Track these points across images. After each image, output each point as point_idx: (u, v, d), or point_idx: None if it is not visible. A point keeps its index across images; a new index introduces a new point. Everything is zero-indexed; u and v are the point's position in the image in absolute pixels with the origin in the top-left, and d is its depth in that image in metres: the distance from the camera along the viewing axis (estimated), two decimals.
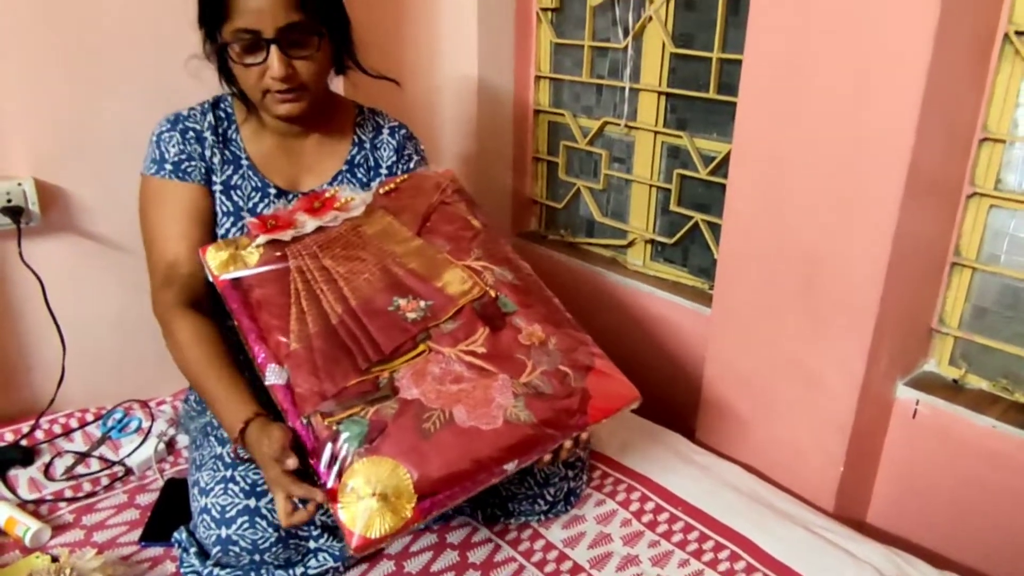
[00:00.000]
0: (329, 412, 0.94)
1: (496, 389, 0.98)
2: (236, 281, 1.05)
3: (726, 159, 1.50)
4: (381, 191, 1.20)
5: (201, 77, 1.21)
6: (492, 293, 1.08)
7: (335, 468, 0.90)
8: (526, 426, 0.97)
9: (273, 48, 1.09)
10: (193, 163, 1.20)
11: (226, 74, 1.19)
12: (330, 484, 0.90)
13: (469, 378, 0.99)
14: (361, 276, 1.06)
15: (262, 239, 1.09)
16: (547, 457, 1.00)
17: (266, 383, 0.98)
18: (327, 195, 1.16)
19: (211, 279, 1.08)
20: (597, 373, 1.05)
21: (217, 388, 1.06)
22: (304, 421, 0.94)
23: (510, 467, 0.96)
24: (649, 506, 1.26)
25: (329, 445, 0.92)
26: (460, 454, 0.93)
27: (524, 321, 1.07)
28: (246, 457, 1.05)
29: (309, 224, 1.12)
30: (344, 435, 0.92)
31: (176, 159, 1.19)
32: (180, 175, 1.19)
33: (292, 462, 0.91)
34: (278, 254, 1.08)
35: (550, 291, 1.16)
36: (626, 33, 1.66)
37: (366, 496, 0.88)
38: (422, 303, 1.05)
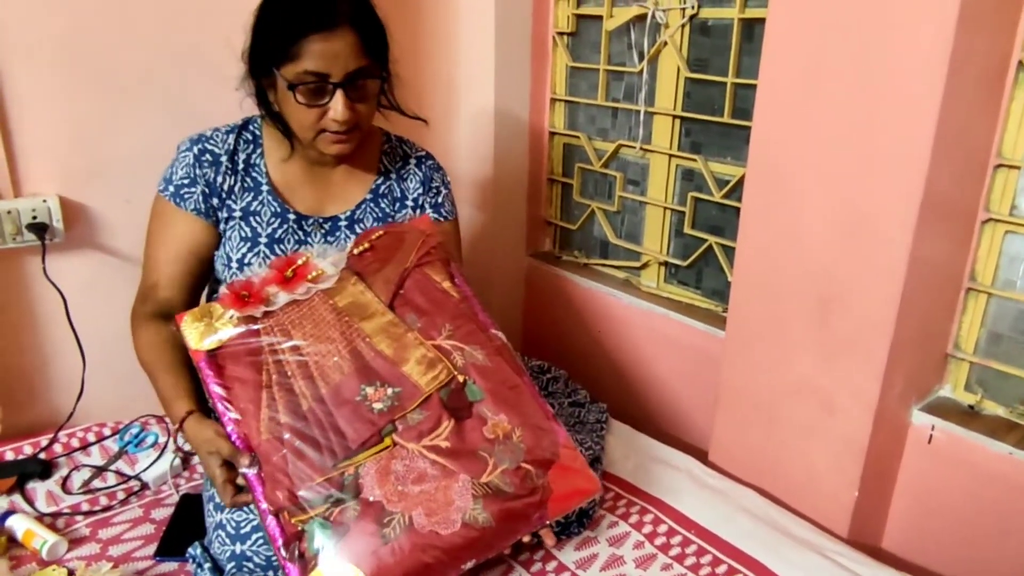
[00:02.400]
0: (296, 511, 0.96)
1: (456, 491, 0.99)
2: (211, 354, 1.06)
3: (740, 183, 1.51)
4: (355, 251, 1.18)
5: (232, 103, 1.21)
6: (460, 379, 1.08)
7: (300, 566, 0.94)
8: (484, 528, 0.98)
9: (339, 93, 1.10)
10: (193, 190, 1.20)
11: (268, 110, 1.19)
12: None
13: (432, 476, 1.00)
14: (331, 359, 1.06)
15: (234, 314, 1.08)
16: (507, 550, 1.03)
17: (240, 471, 1.00)
18: (299, 262, 1.14)
19: (188, 349, 1.08)
20: (559, 468, 1.05)
21: (163, 384, 1.14)
22: (272, 513, 0.97)
23: (468, 565, 0.99)
24: (662, 528, 1.25)
25: (295, 543, 0.95)
26: (418, 559, 0.95)
27: (490, 411, 1.06)
28: (187, 450, 1.14)
29: (281, 298, 1.10)
30: (308, 536, 0.95)
31: (179, 182, 1.20)
32: (177, 200, 1.20)
33: (245, 460, 0.98)
34: (253, 327, 1.08)
35: (521, 363, 1.15)
36: (641, 57, 1.68)
37: None
38: (389, 391, 1.05)
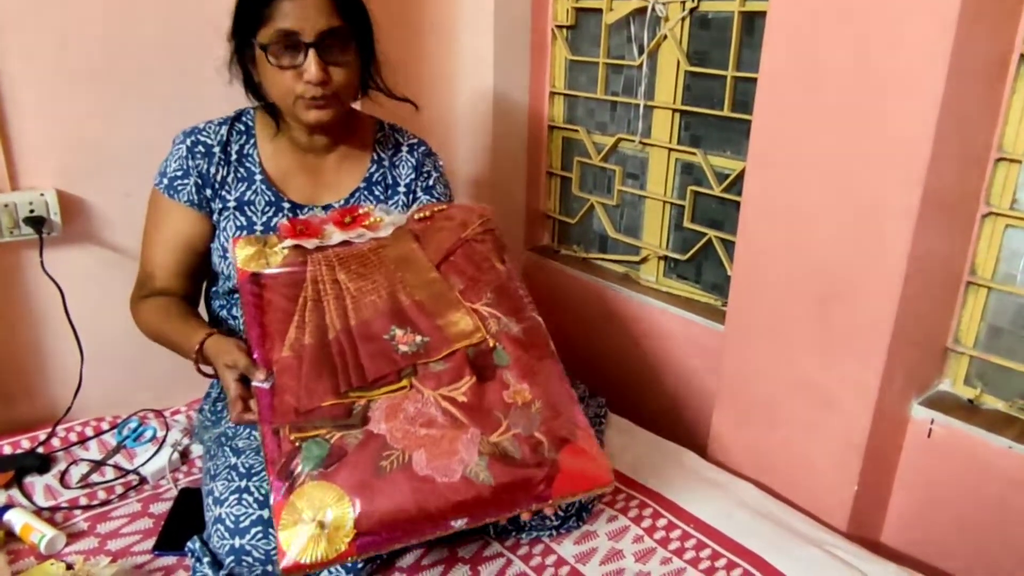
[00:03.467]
0: (298, 427, 0.95)
1: (463, 442, 0.96)
2: (255, 276, 1.09)
3: (740, 176, 1.51)
4: (416, 216, 1.20)
5: (235, 87, 1.23)
6: (491, 343, 1.07)
7: (286, 483, 0.91)
8: (483, 487, 0.94)
9: (311, 52, 1.11)
10: (186, 182, 1.22)
11: (253, 86, 1.20)
12: (278, 498, 0.91)
13: (440, 424, 0.97)
14: (368, 297, 1.07)
15: (288, 243, 1.12)
16: (502, 520, 0.99)
17: (252, 383, 1.01)
18: (360, 211, 1.18)
19: (234, 269, 1.12)
20: (573, 448, 1.00)
21: (174, 328, 1.17)
22: (273, 429, 0.96)
23: (458, 524, 0.94)
24: (661, 523, 1.25)
25: (288, 459, 0.93)
26: (409, 499, 0.91)
27: (514, 377, 1.04)
28: (209, 372, 1.13)
29: (335, 236, 1.14)
30: (303, 454, 0.93)
31: (172, 175, 1.22)
32: (171, 192, 1.22)
33: (261, 375, 1.00)
34: (300, 260, 1.11)
35: (554, 348, 1.12)
36: (641, 51, 1.67)
37: (307, 521, 0.88)
38: (418, 338, 1.05)
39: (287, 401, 0.98)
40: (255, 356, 1.03)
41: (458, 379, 1.02)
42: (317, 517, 0.89)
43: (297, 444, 0.94)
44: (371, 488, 0.91)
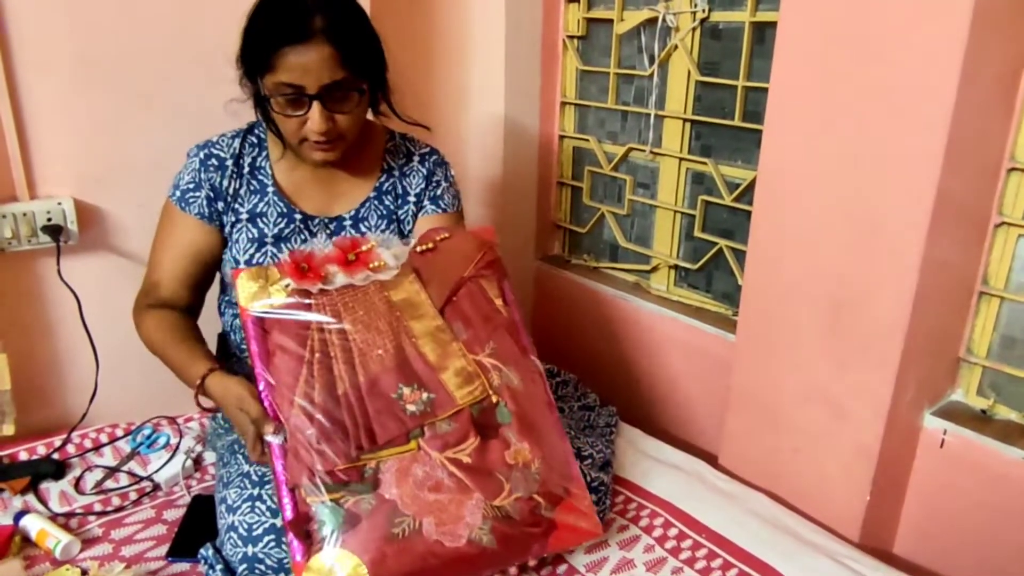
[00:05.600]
0: (312, 491, 0.98)
1: (468, 508, 1.02)
2: (259, 317, 1.08)
3: (751, 186, 1.51)
4: (418, 249, 1.18)
5: (239, 115, 1.24)
6: (493, 399, 1.10)
7: (305, 546, 0.96)
8: (485, 548, 1.01)
9: (315, 104, 1.11)
10: (197, 194, 1.23)
11: (263, 111, 1.21)
12: (297, 559, 0.96)
13: (448, 488, 1.02)
14: (375, 350, 1.08)
15: (290, 284, 1.09)
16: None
17: (264, 437, 1.02)
18: (363, 248, 1.14)
19: (237, 307, 1.11)
20: (567, 506, 1.08)
21: (177, 354, 1.16)
22: (289, 489, 0.99)
23: None
24: (672, 532, 1.25)
25: (304, 520, 0.97)
26: (418, 564, 0.98)
27: (515, 436, 1.09)
28: (208, 407, 1.14)
29: (339, 279, 1.11)
30: (319, 519, 0.97)
31: (185, 187, 1.23)
32: (183, 204, 1.24)
33: (270, 428, 1.00)
34: (306, 301, 1.08)
35: (551, 396, 1.18)
36: (652, 61, 1.68)
37: None
38: (424, 395, 1.07)
39: (301, 461, 0.99)
40: (265, 405, 1.03)
41: (463, 440, 1.06)
42: None
43: (313, 508, 0.97)
44: (384, 554, 0.96)
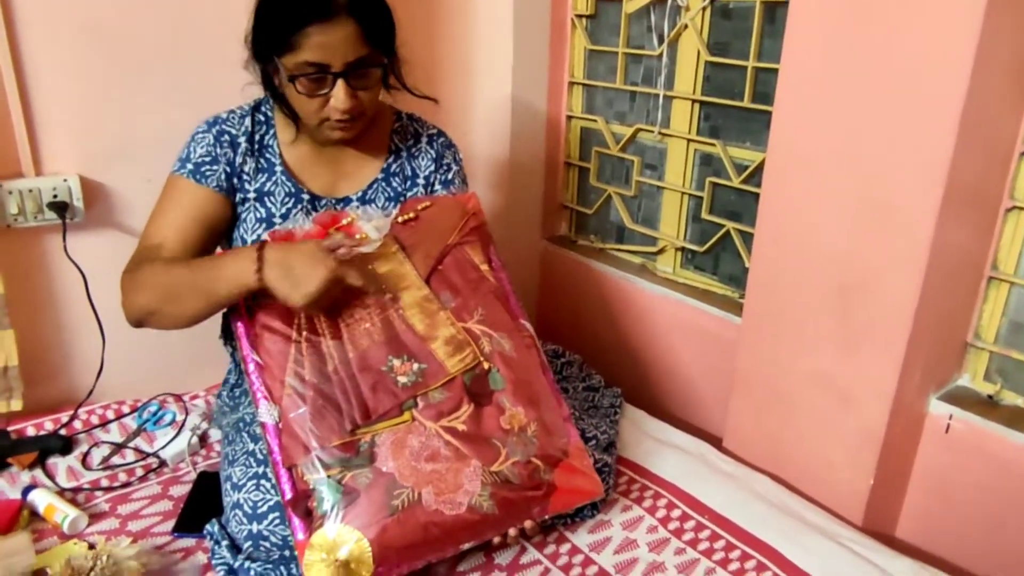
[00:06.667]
0: (309, 469, 0.98)
1: (466, 476, 1.02)
2: (246, 302, 1.07)
3: (759, 168, 1.50)
4: (400, 219, 1.18)
5: (246, 92, 1.23)
6: (485, 365, 1.10)
7: (306, 523, 0.96)
8: (486, 514, 1.02)
9: (340, 82, 1.10)
10: (215, 168, 1.20)
11: (273, 92, 1.19)
12: (299, 537, 0.96)
13: (445, 457, 1.02)
14: (363, 324, 1.07)
15: None
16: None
17: (258, 418, 1.02)
18: (344, 222, 1.14)
19: None
20: (566, 467, 1.09)
21: (210, 263, 1.10)
22: (286, 468, 0.99)
23: (466, 546, 1.04)
24: (675, 513, 1.26)
25: (303, 498, 0.98)
26: (420, 534, 0.98)
27: (509, 401, 1.09)
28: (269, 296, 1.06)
29: None
30: (319, 496, 0.97)
31: (199, 160, 1.20)
32: (197, 177, 1.20)
33: (344, 251, 1.03)
34: None
35: (545, 359, 1.17)
36: (661, 40, 1.66)
37: (329, 561, 0.95)
38: (415, 366, 1.07)
39: (297, 440, 1.00)
40: (255, 386, 1.03)
41: (457, 408, 1.06)
42: (338, 556, 0.95)
43: (311, 486, 0.98)
44: (385, 526, 0.97)
